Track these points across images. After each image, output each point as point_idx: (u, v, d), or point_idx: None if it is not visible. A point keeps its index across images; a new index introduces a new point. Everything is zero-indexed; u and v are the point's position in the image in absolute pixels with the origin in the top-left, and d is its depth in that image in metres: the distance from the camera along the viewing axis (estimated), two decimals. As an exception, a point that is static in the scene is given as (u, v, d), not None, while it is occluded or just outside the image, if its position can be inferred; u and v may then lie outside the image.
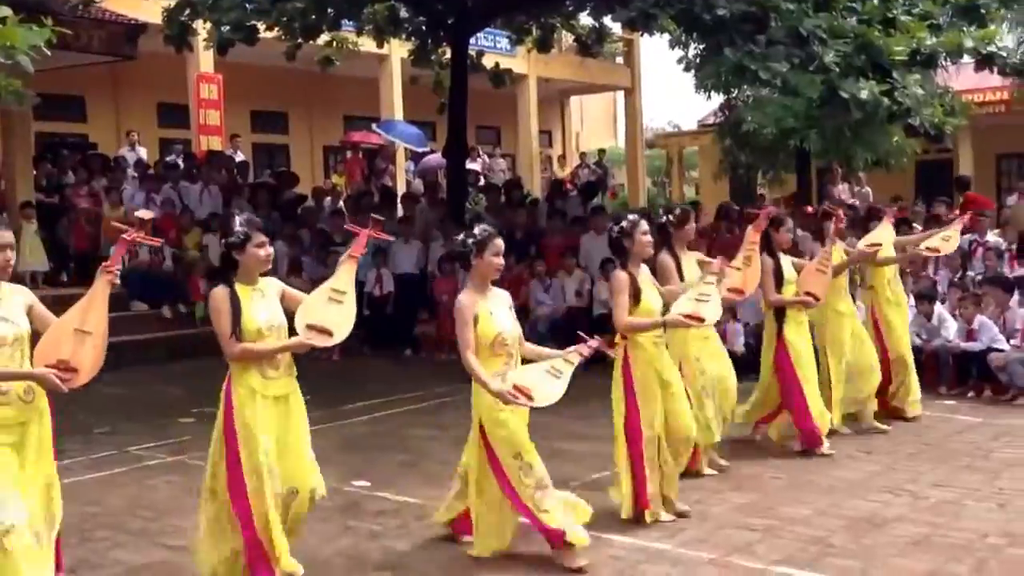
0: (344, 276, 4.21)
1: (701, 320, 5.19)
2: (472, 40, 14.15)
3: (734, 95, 13.82)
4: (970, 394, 8.29)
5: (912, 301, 9.04)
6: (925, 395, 7.76)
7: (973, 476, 5.97)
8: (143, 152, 16.18)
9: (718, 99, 14.89)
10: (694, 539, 4.91)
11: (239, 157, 16.03)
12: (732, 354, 9.57)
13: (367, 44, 14.42)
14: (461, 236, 4.71)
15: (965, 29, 11.40)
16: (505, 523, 4.69)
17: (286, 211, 14.20)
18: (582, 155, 22.99)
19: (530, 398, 4.28)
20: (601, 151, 23.02)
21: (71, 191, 13.34)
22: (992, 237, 9.81)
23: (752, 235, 6.27)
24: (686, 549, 4.77)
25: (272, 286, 4.27)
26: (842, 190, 14.21)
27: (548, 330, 10.80)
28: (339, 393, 8.70)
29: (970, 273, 9.94)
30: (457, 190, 13.78)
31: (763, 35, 9.95)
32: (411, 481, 6.17)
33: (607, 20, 13.97)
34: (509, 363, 4.55)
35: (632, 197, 22.93)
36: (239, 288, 4.16)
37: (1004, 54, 11.40)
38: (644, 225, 5.24)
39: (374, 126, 17.48)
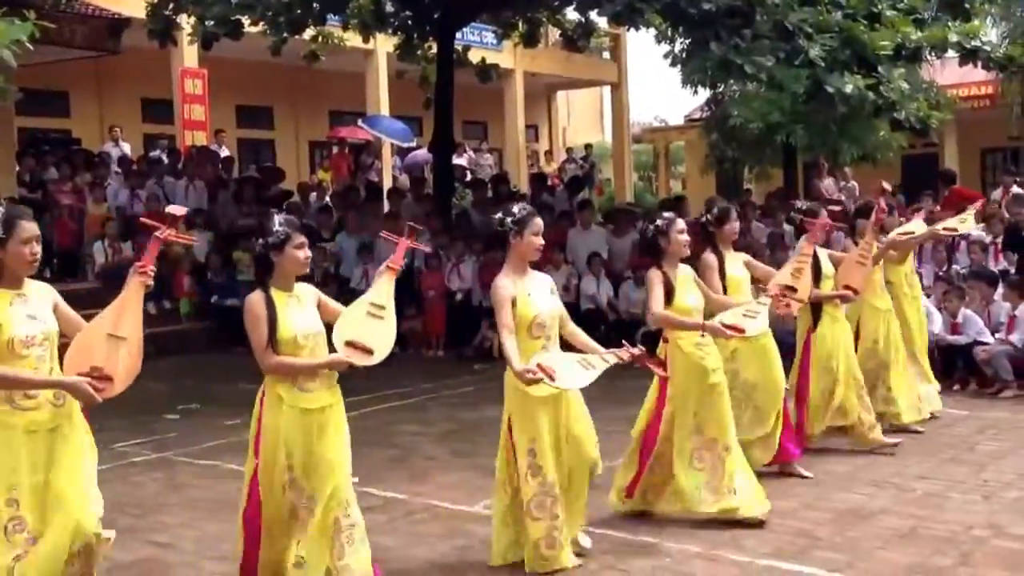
0: (383, 289, 4.00)
1: (741, 331, 5.13)
2: (458, 35, 14.13)
3: (720, 90, 13.85)
4: (955, 387, 8.32)
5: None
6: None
7: (958, 469, 6.00)
8: (127, 148, 16.08)
9: (705, 94, 14.95)
10: (682, 533, 4.91)
11: (224, 152, 15.95)
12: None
13: (353, 39, 14.36)
14: (499, 215, 4.46)
15: (950, 24, 11.45)
16: (521, 533, 4.48)
17: (272, 207, 14.13)
18: (569, 150, 22.99)
19: (552, 378, 4.09)
20: (588, 146, 23.03)
21: (54, 187, 13.24)
22: (976, 231, 9.84)
23: (807, 248, 6.01)
24: (674, 543, 4.77)
25: (309, 293, 4.03)
26: (828, 185, 14.24)
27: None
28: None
29: (955, 267, 9.99)
30: (443, 185, 13.76)
31: (749, 29, 9.96)
32: (398, 477, 6.16)
33: (593, 15, 13.96)
34: (548, 346, 4.36)
35: (619, 192, 22.96)
36: (275, 294, 3.90)
37: (988, 48, 11.46)
38: (680, 223, 5.08)
39: (360, 121, 17.42)
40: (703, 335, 5.04)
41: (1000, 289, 8.79)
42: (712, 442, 5.04)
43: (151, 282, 3.71)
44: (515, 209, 4.43)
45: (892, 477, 5.81)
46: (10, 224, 3.51)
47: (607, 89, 25.64)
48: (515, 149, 21.93)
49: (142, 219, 4.06)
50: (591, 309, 10.90)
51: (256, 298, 3.89)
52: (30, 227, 3.55)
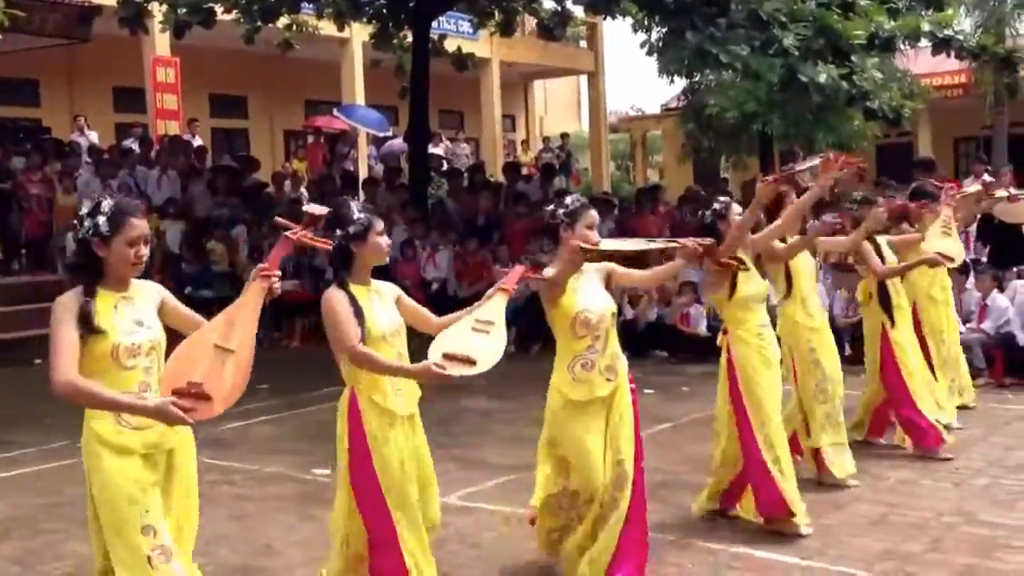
0: (493, 307, 3.63)
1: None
2: (434, 24, 14.05)
3: (697, 79, 13.88)
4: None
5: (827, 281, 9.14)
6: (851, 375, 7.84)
7: (931, 457, 6.04)
8: (94, 137, 15.87)
9: (681, 83, 14.98)
10: (657, 522, 4.88)
11: (197, 142, 15.80)
12: (695, 338, 9.80)
13: (327, 27, 14.25)
14: (550, 207, 4.15)
15: (923, 13, 11.51)
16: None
17: (247, 197, 14.03)
18: (545, 139, 22.96)
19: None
20: (564, 135, 23.00)
21: (23, 177, 13.06)
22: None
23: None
24: (651, 532, 4.77)
25: (386, 288, 3.67)
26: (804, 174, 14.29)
27: (512, 315, 10.78)
28: (299, 381, 8.62)
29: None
30: (419, 175, 13.70)
31: (724, 19, 9.97)
32: (373, 468, 6.12)
33: (569, 3, 13.94)
34: (595, 346, 4.01)
35: (596, 181, 22.96)
36: (354, 289, 3.50)
37: (961, 38, 11.54)
38: (737, 208, 4.85)
39: (335, 110, 17.30)
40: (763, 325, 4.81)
41: (971, 278, 8.85)
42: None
43: (278, 288, 3.21)
44: (567, 201, 4.14)
45: (866, 466, 5.84)
46: (117, 221, 3.08)
47: (584, 78, 25.62)
48: (492, 138, 21.87)
49: (277, 219, 3.55)
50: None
51: (337, 295, 3.46)
52: (140, 225, 3.12)
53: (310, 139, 18.38)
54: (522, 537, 4.70)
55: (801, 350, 5.35)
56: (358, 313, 3.44)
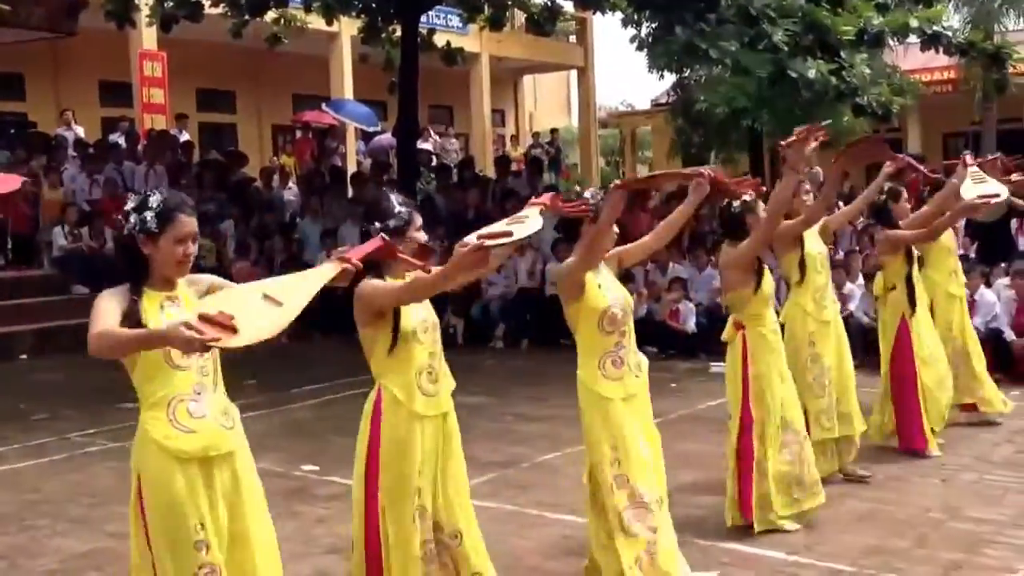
0: (527, 211, 3.44)
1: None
2: (423, 18, 14.00)
3: (686, 75, 13.86)
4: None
5: (861, 280, 9.14)
6: (869, 375, 7.83)
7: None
8: (80, 131, 15.77)
9: (671, 78, 14.94)
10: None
11: (184, 137, 15.72)
12: (683, 334, 9.79)
13: (316, 21, 14.18)
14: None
15: (912, 9, 11.53)
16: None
17: (234, 192, 13.97)
18: (535, 135, 22.93)
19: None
20: (554, 130, 22.98)
21: (8, 171, 12.96)
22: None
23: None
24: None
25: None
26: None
27: (500, 310, 10.78)
28: (286, 377, 8.59)
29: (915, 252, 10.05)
30: (408, 170, 13.65)
31: (713, 14, 9.97)
32: (360, 464, 6.10)
33: (559, -2, 13.90)
34: (623, 343, 3.83)
35: (585, 176, 22.94)
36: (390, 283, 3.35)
37: (950, 34, 11.56)
38: (763, 204, 4.78)
39: (324, 105, 17.24)
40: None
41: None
42: (796, 434, 4.80)
43: (351, 271, 3.02)
44: (587, 194, 4.00)
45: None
46: (167, 217, 2.92)
47: (574, 73, 25.58)
48: (481, 134, 21.82)
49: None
50: (556, 294, 10.85)
51: (374, 283, 3.28)
52: (189, 222, 2.96)
53: (298, 134, 18.31)
54: (509, 533, 4.69)
55: (800, 341, 5.27)
56: (395, 308, 3.30)
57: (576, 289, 3.81)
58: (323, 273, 2.97)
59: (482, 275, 3.07)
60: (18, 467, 6.27)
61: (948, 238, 6.73)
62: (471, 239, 3.07)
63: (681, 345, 9.70)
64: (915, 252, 6.15)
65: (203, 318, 2.57)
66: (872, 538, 4.59)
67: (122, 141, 14.82)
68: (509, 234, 3.13)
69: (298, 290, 2.85)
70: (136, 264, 2.96)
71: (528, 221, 3.35)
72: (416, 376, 3.32)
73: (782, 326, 5.11)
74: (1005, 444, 6.28)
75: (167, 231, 2.93)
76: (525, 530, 4.89)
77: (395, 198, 3.42)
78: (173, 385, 2.93)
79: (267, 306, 2.77)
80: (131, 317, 2.88)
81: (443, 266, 3.18)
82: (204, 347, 2.58)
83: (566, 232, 3.93)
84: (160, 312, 2.93)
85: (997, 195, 5.80)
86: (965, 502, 5.09)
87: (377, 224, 3.33)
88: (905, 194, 6.20)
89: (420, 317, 3.36)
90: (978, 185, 5.90)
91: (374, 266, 3.26)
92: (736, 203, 4.74)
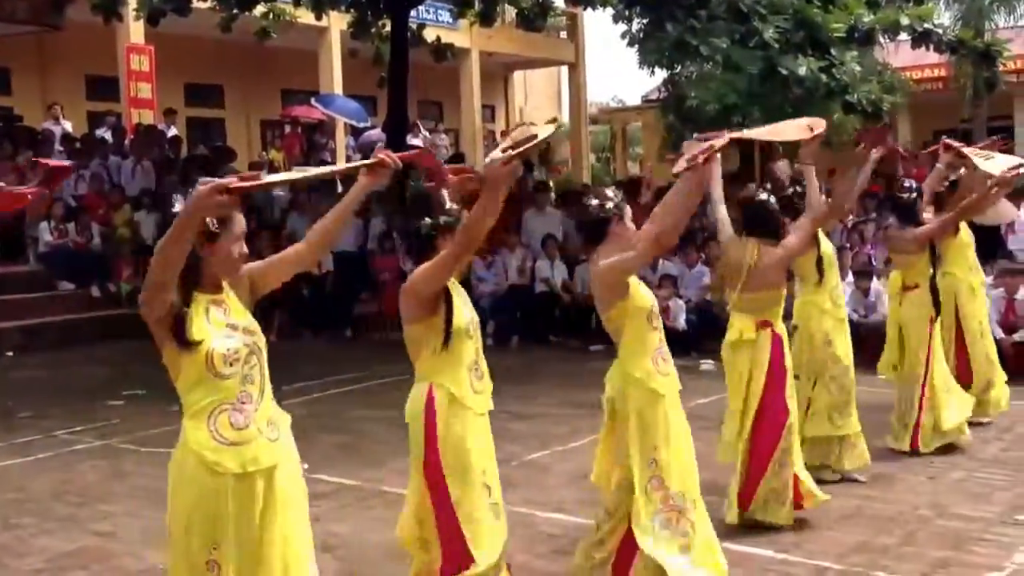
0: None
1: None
2: (413, 13, 13.94)
3: (677, 71, 13.85)
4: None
5: (851, 278, 9.15)
6: (863, 371, 7.83)
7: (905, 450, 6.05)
8: (68, 125, 15.67)
9: (662, 75, 14.93)
10: (633, 516, 4.89)
11: (171, 132, 15.63)
12: (673, 332, 9.77)
13: (305, 16, 14.11)
14: (596, 202, 3.86)
15: (902, 6, 11.54)
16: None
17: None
18: (525, 130, 22.88)
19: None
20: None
21: (-5, 165, 12.87)
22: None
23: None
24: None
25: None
26: (783, 167, 14.30)
27: (490, 307, 10.75)
28: (276, 374, 8.49)
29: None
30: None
31: (704, 10, 9.95)
32: (349, 463, 6.09)
33: (549, -7, 13.86)
34: (663, 339, 3.86)
35: (576, 173, 22.93)
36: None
37: (940, 31, 11.57)
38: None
39: (313, 100, 17.16)
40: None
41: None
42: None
43: (390, 165, 2.97)
44: (610, 193, 3.94)
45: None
46: (225, 216, 2.76)
47: (564, 69, 25.54)
48: (471, 130, 21.77)
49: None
50: (545, 292, 10.86)
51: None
52: (242, 221, 2.85)
53: (287, 129, 18.22)
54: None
55: (818, 340, 5.30)
56: (448, 301, 3.32)
57: (623, 288, 3.73)
58: (353, 165, 3.05)
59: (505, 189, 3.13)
60: (3, 465, 6.22)
61: (965, 232, 6.65)
62: (496, 154, 3.07)
63: (671, 343, 9.65)
64: (938, 251, 6.06)
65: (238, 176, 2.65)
66: (860, 535, 4.60)
67: (109, 136, 14.71)
68: (534, 137, 3.14)
69: (311, 175, 3.58)
70: (192, 268, 2.75)
71: (539, 129, 3.29)
72: (467, 373, 3.36)
73: (794, 326, 5.17)
74: (993, 441, 6.30)
75: (227, 231, 2.79)
76: (513, 528, 4.85)
77: (447, 194, 3.45)
78: (218, 393, 2.80)
79: (281, 176, 3.31)
80: (178, 330, 2.73)
81: (478, 200, 3.13)
82: (228, 193, 2.53)
83: (590, 233, 3.86)
84: (205, 316, 2.79)
85: (1022, 164, 5.81)
86: (953, 499, 5.10)
87: (427, 220, 3.38)
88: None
89: (469, 316, 3.41)
90: (990, 162, 5.89)
91: (420, 262, 3.33)
92: (792, 190, 5.00)
